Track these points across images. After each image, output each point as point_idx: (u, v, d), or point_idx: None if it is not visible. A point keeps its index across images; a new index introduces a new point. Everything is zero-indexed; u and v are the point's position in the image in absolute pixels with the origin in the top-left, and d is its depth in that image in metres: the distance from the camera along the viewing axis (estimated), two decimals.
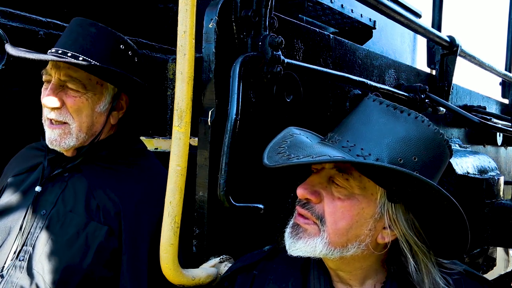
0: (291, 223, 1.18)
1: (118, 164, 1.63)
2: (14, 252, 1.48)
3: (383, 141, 1.08)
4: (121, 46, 1.60)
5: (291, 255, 1.14)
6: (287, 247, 1.15)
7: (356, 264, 1.17)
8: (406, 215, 1.10)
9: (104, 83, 1.59)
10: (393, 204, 1.09)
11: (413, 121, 1.09)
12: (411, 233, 1.11)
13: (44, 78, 1.57)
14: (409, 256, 1.12)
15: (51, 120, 1.55)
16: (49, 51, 1.54)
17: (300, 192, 1.13)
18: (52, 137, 1.54)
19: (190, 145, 1.39)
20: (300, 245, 1.12)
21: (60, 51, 1.52)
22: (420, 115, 1.10)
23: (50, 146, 1.56)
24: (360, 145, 1.09)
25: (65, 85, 1.54)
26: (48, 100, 1.52)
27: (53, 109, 1.53)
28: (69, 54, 1.51)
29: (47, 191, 1.56)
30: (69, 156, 1.61)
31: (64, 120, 1.54)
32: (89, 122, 1.57)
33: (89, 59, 1.51)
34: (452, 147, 3.09)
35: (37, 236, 1.48)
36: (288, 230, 1.17)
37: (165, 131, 2.21)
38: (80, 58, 1.51)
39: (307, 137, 1.23)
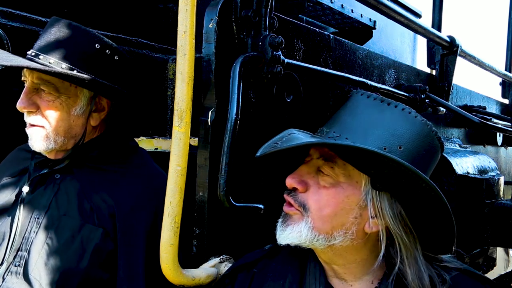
0: (282, 213, 1.20)
1: (109, 165, 1.61)
2: (9, 257, 1.46)
3: (368, 131, 1.10)
4: (96, 45, 1.55)
5: (280, 243, 1.17)
6: (277, 237, 1.18)
7: (349, 257, 1.17)
8: (392, 204, 1.11)
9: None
10: (377, 192, 1.10)
11: (399, 112, 1.10)
12: (397, 222, 1.11)
13: (22, 79, 1.55)
14: (383, 246, 1.12)
15: (29, 123, 1.53)
16: (28, 52, 1.53)
17: (288, 181, 1.16)
18: (31, 139, 1.53)
19: (190, 145, 1.39)
20: (288, 232, 1.15)
21: (33, 53, 1.51)
22: (408, 107, 1.11)
23: (31, 147, 1.55)
24: (345, 135, 1.11)
25: (39, 88, 1.51)
26: (22, 105, 1.50)
27: (29, 113, 1.51)
28: (40, 57, 1.49)
29: (39, 195, 1.54)
30: (55, 159, 1.59)
31: (40, 124, 1.52)
32: (65, 126, 1.54)
33: (61, 62, 1.49)
34: (452, 147, 3.09)
35: (32, 241, 1.47)
36: (279, 220, 1.20)
37: (165, 131, 2.21)
38: (51, 61, 1.48)
39: (302, 135, 1.24)
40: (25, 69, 1.52)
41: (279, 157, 1.23)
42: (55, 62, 1.49)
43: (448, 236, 1.14)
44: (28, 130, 1.54)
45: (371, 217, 1.11)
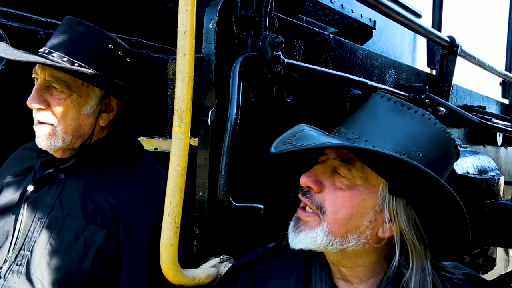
0: (295, 216, 1.19)
1: (115, 166, 1.60)
2: (11, 256, 1.46)
3: (387, 135, 1.09)
4: (109, 46, 1.55)
5: (293, 248, 1.15)
6: (289, 241, 1.16)
7: (358, 260, 1.16)
8: (407, 210, 1.10)
9: (90, 84, 1.55)
10: (394, 197, 1.09)
11: (420, 118, 1.10)
12: (410, 229, 1.10)
13: (33, 76, 1.54)
14: (398, 252, 1.12)
15: (38, 120, 1.52)
16: (39, 50, 1.53)
17: (303, 180, 1.14)
18: (39, 137, 1.52)
19: (190, 145, 1.39)
20: (302, 237, 1.13)
21: (46, 51, 1.50)
22: (427, 113, 1.11)
23: (38, 145, 1.54)
24: (365, 137, 1.10)
25: (50, 85, 1.51)
26: (32, 101, 1.49)
27: (38, 110, 1.51)
28: (54, 55, 1.49)
29: (43, 194, 1.54)
30: (61, 158, 1.58)
31: (49, 121, 1.51)
32: (75, 124, 1.53)
33: (74, 60, 1.49)
34: None
35: (35, 241, 1.47)
36: (291, 224, 1.18)
37: (165, 131, 2.21)
38: (65, 59, 1.48)
39: (316, 133, 1.23)
40: (36, 66, 1.52)
41: (290, 154, 1.21)
42: (68, 61, 1.49)
43: (461, 244, 1.13)
44: (36, 128, 1.53)
45: (386, 222, 1.10)
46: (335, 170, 1.13)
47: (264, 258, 1.33)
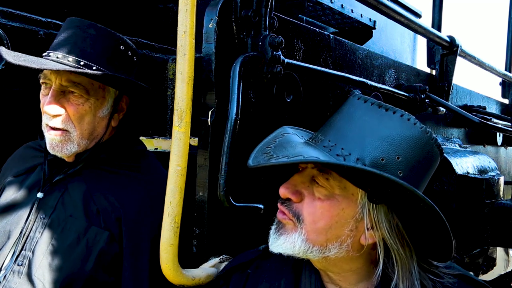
0: (275, 220, 1.18)
1: (118, 167, 1.60)
2: (12, 256, 1.45)
3: (364, 140, 1.05)
4: (121, 47, 1.55)
5: (272, 252, 1.15)
6: (269, 244, 1.15)
7: (344, 266, 1.15)
8: (388, 217, 1.08)
9: (106, 87, 1.54)
10: (374, 205, 1.07)
11: (398, 119, 1.05)
12: (393, 235, 1.08)
13: (42, 81, 1.51)
14: (382, 258, 1.10)
15: (52, 126, 1.49)
16: (46, 53, 1.49)
17: (282, 191, 1.13)
18: (54, 143, 1.49)
19: (190, 145, 1.39)
20: (281, 241, 1.12)
21: (59, 55, 1.46)
22: (406, 113, 1.07)
23: (51, 152, 1.52)
24: (341, 144, 1.07)
25: (66, 90, 1.48)
26: (50, 108, 1.45)
27: (54, 116, 1.47)
28: (69, 59, 1.46)
29: (46, 195, 1.53)
30: (69, 161, 1.57)
31: (65, 127, 1.49)
32: (90, 128, 1.53)
33: (90, 63, 1.47)
34: (452, 147, 3.08)
35: (37, 241, 1.46)
36: (273, 227, 1.17)
37: (165, 131, 2.21)
38: (82, 63, 1.46)
39: (300, 136, 1.22)
40: (49, 72, 1.47)
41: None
42: (85, 64, 1.47)
43: (445, 248, 1.11)
44: (49, 134, 1.50)
45: (367, 229, 1.08)
46: (314, 179, 1.11)
47: (255, 260, 1.32)
